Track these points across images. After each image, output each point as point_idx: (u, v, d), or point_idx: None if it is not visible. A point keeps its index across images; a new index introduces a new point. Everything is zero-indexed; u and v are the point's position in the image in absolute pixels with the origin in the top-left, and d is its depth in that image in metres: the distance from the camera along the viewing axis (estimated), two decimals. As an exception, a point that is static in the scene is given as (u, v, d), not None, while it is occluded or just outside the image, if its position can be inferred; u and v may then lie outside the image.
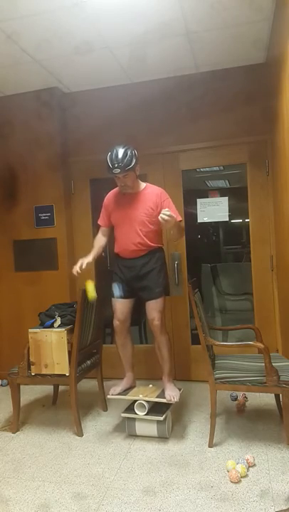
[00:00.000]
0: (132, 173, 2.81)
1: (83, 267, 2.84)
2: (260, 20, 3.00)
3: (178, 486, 2.27)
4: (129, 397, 2.88)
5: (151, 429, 2.78)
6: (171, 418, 2.89)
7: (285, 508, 2.02)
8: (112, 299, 3.01)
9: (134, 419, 2.80)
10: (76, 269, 2.84)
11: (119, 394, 2.95)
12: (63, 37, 3.08)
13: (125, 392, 2.97)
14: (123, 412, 2.84)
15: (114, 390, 2.97)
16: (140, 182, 2.96)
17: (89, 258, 2.93)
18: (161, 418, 2.71)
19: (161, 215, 2.60)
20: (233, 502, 2.10)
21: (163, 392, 2.88)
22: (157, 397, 2.82)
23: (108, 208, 3.04)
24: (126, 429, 2.85)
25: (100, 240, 3.12)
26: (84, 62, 3.48)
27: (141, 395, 2.83)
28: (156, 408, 2.80)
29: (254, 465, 2.40)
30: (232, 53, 3.46)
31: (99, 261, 4.23)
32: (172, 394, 2.81)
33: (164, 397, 2.80)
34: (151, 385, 3.00)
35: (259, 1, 2.78)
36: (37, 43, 3.14)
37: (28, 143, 4.00)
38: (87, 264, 2.88)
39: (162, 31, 3.06)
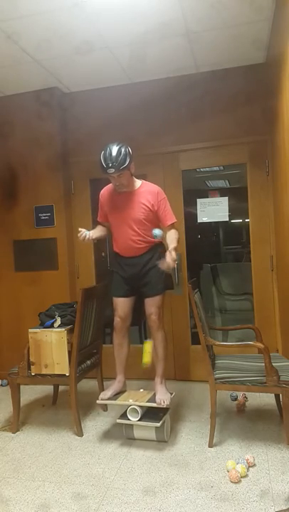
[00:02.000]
0: (126, 172, 2.74)
1: (87, 237, 2.81)
2: (260, 20, 3.00)
3: (178, 486, 2.27)
4: (119, 402, 2.81)
5: (150, 434, 2.74)
6: (169, 421, 2.86)
7: (285, 508, 2.02)
8: (113, 297, 2.99)
9: (131, 424, 2.76)
10: (83, 234, 2.80)
11: (109, 398, 2.88)
12: (63, 37, 3.08)
13: (115, 396, 2.90)
14: (119, 418, 2.79)
15: (104, 395, 2.90)
16: (135, 180, 2.91)
17: (92, 232, 2.88)
18: (158, 424, 2.65)
19: (167, 262, 2.63)
20: (233, 502, 2.10)
21: (154, 396, 2.81)
22: (148, 401, 2.75)
23: (104, 206, 2.99)
24: (124, 433, 2.81)
25: (102, 228, 3.06)
26: (84, 62, 3.48)
27: (131, 400, 2.76)
28: (152, 413, 2.74)
29: (254, 465, 2.40)
30: (232, 53, 3.46)
31: (99, 261, 4.25)
32: (162, 398, 2.75)
33: (154, 402, 2.74)
34: (142, 390, 2.95)
35: (259, 1, 2.78)
36: (37, 43, 3.14)
37: (28, 143, 4.00)
38: (90, 237, 2.83)
39: (162, 31, 3.06)
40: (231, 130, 3.71)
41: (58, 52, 3.29)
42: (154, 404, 2.73)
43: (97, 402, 2.93)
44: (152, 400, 2.77)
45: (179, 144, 3.85)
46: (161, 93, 3.84)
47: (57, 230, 4.01)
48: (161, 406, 2.72)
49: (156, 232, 2.76)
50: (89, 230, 2.87)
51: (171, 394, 2.87)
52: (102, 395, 2.92)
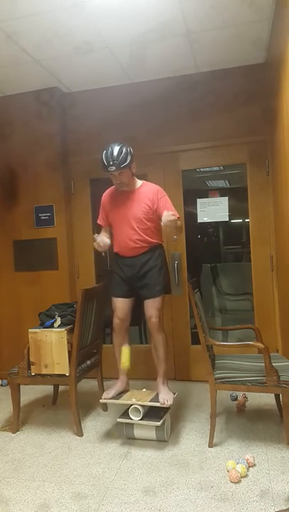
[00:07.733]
0: (127, 170, 2.80)
1: (99, 239, 2.84)
2: (260, 20, 3.00)
3: (178, 486, 2.27)
4: (122, 401, 2.82)
5: (150, 434, 2.74)
6: (170, 421, 2.86)
7: (285, 508, 2.02)
8: (113, 297, 3.00)
9: (132, 423, 2.76)
10: (97, 243, 2.84)
11: (112, 398, 2.89)
12: (63, 37, 3.08)
13: (118, 396, 2.90)
14: (119, 417, 2.79)
15: (108, 394, 2.90)
16: (136, 179, 2.95)
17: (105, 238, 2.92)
18: (159, 424, 2.65)
19: (164, 218, 2.61)
20: (233, 502, 2.10)
21: (157, 396, 2.82)
22: (151, 401, 2.76)
23: (106, 206, 3.03)
24: (124, 433, 2.81)
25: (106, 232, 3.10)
26: (84, 62, 3.48)
27: (134, 399, 2.77)
28: (153, 412, 2.74)
29: (254, 465, 2.40)
30: (232, 53, 3.46)
31: (99, 261, 4.24)
32: (166, 397, 2.75)
33: (158, 401, 2.75)
34: (144, 389, 2.95)
35: (259, 1, 2.78)
36: (37, 43, 3.14)
37: (28, 143, 4.00)
38: (106, 242, 2.87)
39: (162, 31, 3.06)
40: (231, 130, 3.71)
41: (57, 52, 3.29)
42: (157, 404, 2.73)
43: (100, 401, 2.94)
44: (155, 399, 2.78)
45: (179, 143, 3.85)
46: (161, 93, 3.84)
47: (57, 230, 4.01)
48: (164, 406, 2.73)
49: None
50: (97, 235, 2.89)
51: (174, 394, 2.88)
52: (105, 395, 2.92)
